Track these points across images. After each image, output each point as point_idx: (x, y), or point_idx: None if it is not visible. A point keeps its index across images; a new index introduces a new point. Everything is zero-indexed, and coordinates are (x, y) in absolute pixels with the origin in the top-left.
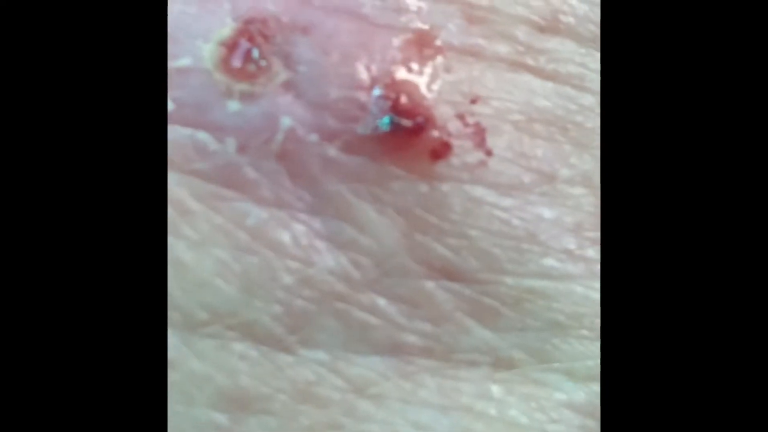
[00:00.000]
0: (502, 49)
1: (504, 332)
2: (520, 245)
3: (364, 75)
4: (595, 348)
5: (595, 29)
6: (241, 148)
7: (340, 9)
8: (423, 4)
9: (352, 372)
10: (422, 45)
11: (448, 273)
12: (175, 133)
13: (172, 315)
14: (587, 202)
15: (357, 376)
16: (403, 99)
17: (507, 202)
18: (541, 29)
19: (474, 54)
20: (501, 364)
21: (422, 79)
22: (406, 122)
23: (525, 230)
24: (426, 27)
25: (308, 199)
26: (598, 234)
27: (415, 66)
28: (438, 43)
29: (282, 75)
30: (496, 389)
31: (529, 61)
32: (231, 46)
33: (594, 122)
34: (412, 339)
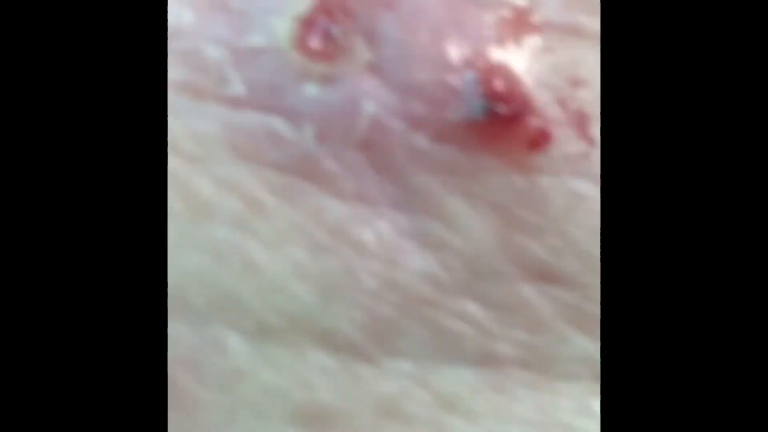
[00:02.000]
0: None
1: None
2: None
3: (455, 56)
4: None
5: None
6: (320, 137)
7: None
8: None
9: (440, 385)
10: (519, 22)
11: (546, 276)
12: (246, 118)
13: (244, 321)
14: None
15: (446, 389)
16: (499, 83)
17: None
18: None
19: (576, 32)
20: None
21: (519, 61)
22: (502, 108)
23: None
24: (523, 2)
25: (393, 193)
26: None
27: (511, 46)
28: (536, 20)
29: (365, 55)
30: (598, 405)
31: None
32: (308, 22)
33: None
34: (506, 349)
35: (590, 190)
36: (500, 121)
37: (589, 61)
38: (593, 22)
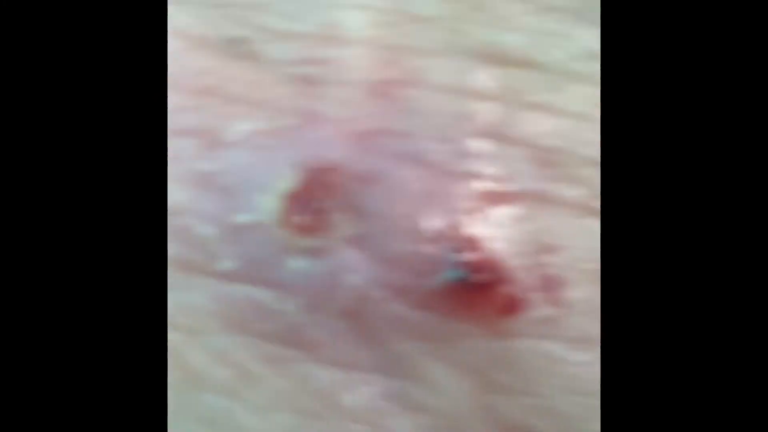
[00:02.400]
0: (574, 193)
1: None
2: (595, 403)
3: (433, 227)
4: None
5: None
6: (306, 307)
7: (406, 156)
8: (491, 148)
9: None
10: (492, 193)
11: None
12: (236, 291)
13: None
14: None
15: None
16: (474, 252)
17: (580, 356)
18: None
19: (546, 200)
20: None
21: (493, 230)
22: (477, 277)
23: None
24: (495, 173)
25: (376, 358)
26: None
27: (485, 216)
28: (508, 189)
29: (347, 229)
30: None
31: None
32: (293, 198)
33: None
34: None
35: (561, 352)
36: (476, 289)
37: (559, 227)
38: (563, 190)
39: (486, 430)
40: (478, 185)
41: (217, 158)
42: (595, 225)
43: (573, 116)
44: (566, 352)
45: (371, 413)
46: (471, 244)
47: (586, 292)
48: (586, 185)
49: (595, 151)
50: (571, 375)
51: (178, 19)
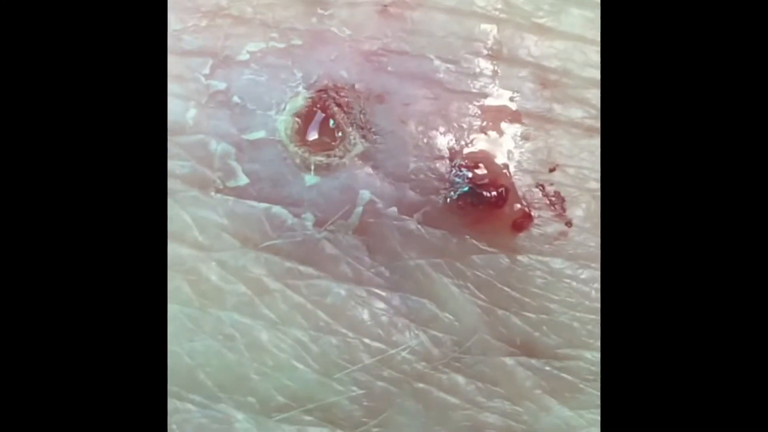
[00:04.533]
0: (576, 113)
1: (583, 410)
2: (599, 318)
3: (442, 144)
4: None
5: None
6: (319, 223)
7: (415, 75)
8: (497, 68)
9: None
10: (499, 111)
11: (527, 349)
12: (250, 208)
13: (248, 399)
14: None
15: None
16: (483, 169)
17: (586, 274)
18: None
19: (549, 120)
20: None
21: (501, 148)
22: (488, 193)
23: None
24: (500, 93)
25: (387, 274)
26: None
27: (493, 134)
28: (514, 108)
29: (359, 146)
30: None
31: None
32: (305, 116)
33: None
34: (491, 419)
35: (567, 268)
36: (486, 206)
37: (563, 145)
38: (565, 109)
39: (494, 344)
40: (484, 104)
41: (230, 77)
42: (596, 144)
43: (575, 38)
44: (570, 269)
45: (383, 328)
46: (479, 161)
47: (588, 210)
48: (588, 106)
49: (595, 72)
50: (575, 291)
51: None
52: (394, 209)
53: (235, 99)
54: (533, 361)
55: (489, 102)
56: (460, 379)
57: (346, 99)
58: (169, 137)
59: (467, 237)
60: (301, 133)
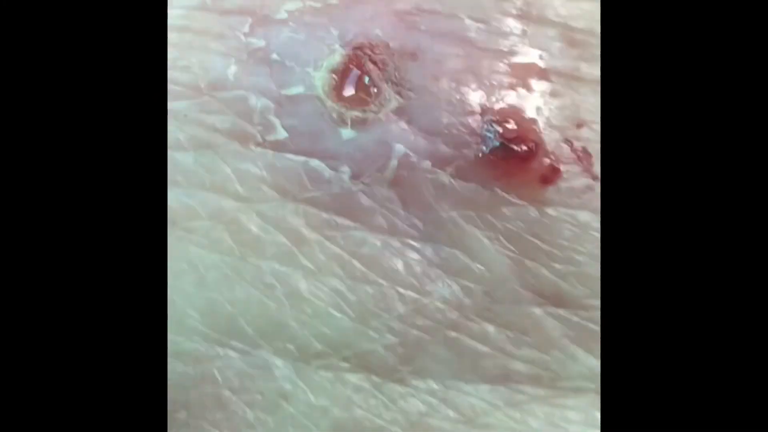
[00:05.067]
0: (599, 72)
1: None
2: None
3: (473, 100)
4: None
5: None
6: (355, 176)
7: (446, 33)
8: (526, 28)
9: (462, 402)
10: (528, 69)
11: (555, 299)
12: (289, 161)
13: (287, 346)
14: None
15: (467, 406)
16: (513, 124)
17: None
18: None
19: (577, 78)
20: None
21: (530, 104)
22: (517, 148)
23: None
24: (530, 50)
25: (421, 226)
26: None
27: (522, 91)
28: (542, 66)
29: (393, 102)
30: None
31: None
32: (342, 73)
33: None
34: (520, 367)
35: (593, 221)
36: (516, 160)
37: (589, 103)
38: (592, 68)
39: (523, 294)
40: (513, 62)
41: (269, 35)
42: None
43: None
44: (597, 221)
45: (417, 278)
46: (509, 116)
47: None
48: None
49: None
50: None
51: None
52: (428, 163)
53: (274, 56)
54: (561, 311)
55: (518, 60)
56: (491, 328)
57: (380, 56)
58: (211, 93)
59: (497, 190)
60: (337, 89)
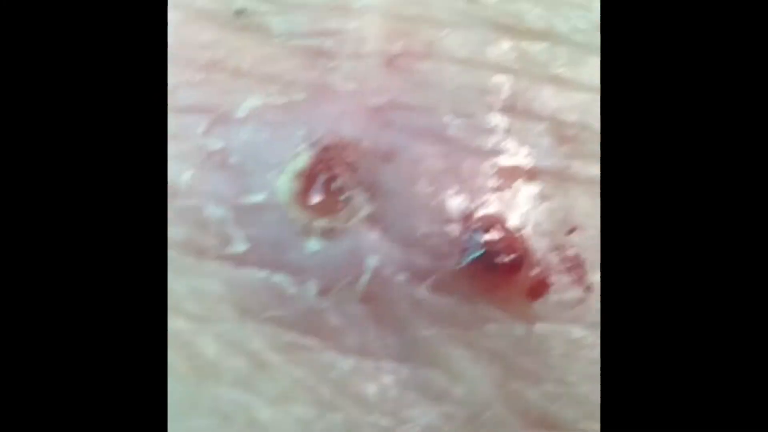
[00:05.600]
0: (595, 170)
1: None
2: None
3: (454, 206)
4: None
5: None
6: (323, 291)
7: (423, 131)
8: (512, 123)
9: None
10: (512, 170)
11: (546, 423)
12: (249, 276)
13: None
14: None
15: None
16: (498, 232)
17: None
18: None
19: (568, 178)
20: None
21: (516, 209)
22: (502, 258)
23: None
24: (515, 149)
25: (396, 345)
26: None
27: (508, 194)
28: (528, 166)
29: (365, 209)
30: None
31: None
32: (308, 177)
33: None
34: None
35: (587, 337)
36: (501, 271)
37: (581, 205)
38: (585, 166)
39: (510, 419)
40: (498, 162)
41: (226, 136)
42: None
43: (595, 90)
44: (590, 337)
45: (392, 403)
46: (493, 223)
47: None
48: None
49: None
50: (595, 361)
51: None
52: (403, 276)
53: (233, 159)
54: None
55: (503, 160)
56: None
57: (351, 158)
58: None
59: (480, 305)
60: (303, 195)
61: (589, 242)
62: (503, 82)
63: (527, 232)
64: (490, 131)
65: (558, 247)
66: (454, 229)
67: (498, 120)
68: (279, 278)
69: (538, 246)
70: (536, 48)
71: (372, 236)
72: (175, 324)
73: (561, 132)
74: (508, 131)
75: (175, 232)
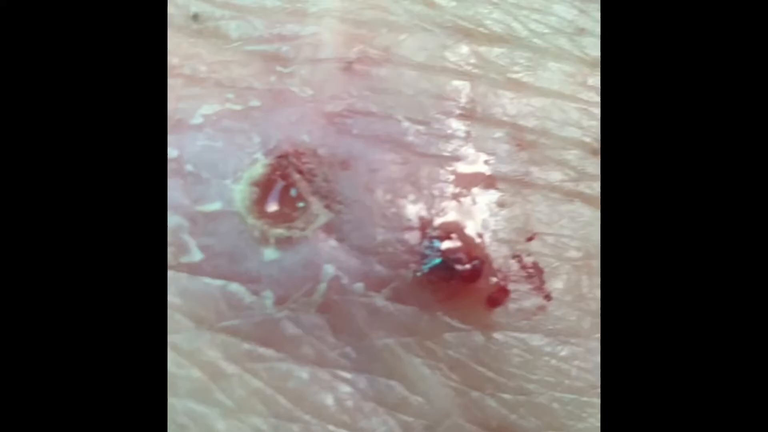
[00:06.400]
0: (555, 176)
1: None
2: (581, 398)
3: (412, 214)
4: None
5: None
6: (280, 301)
7: (381, 138)
8: (471, 129)
9: None
10: (471, 177)
11: None
12: (205, 285)
13: None
14: None
15: None
16: (456, 240)
17: (566, 350)
18: (594, 152)
19: (526, 184)
20: None
21: (475, 216)
22: (461, 267)
23: (585, 381)
24: (474, 155)
25: (353, 355)
26: None
27: (467, 201)
28: (487, 173)
29: (322, 217)
30: None
31: (584, 189)
32: (264, 185)
33: None
34: None
35: (547, 345)
36: (459, 280)
37: (541, 212)
38: (543, 172)
39: (468, 428)
40: (456, 168)
41: (182, 143)
42: (577, 210)
43: (554, 95)
44: (550, 345)
45: (350, 413)
46: (451, 231)
47: (569, 282)
48: (568, 168)
49: (576, 132)
50: (555, 369)
51: None
52: (361, 285)
53: (188, 167)
54: None
55: (462, 166)
56: None
57: (308, 165)
58: None
59: (439, 314)
60: (259, 203)
61: (548, 250)
62: (462, 87)
63: (486, 239)
64: (449, 137)
65: (516, 255)
66: (413, 237)
67: (457, 126)
68: (235, 287)
69: (497, 254)
70: (495, 52)
71: (329, 245)
72: None
73: (520, 137)
74: (466, 137)
75: None
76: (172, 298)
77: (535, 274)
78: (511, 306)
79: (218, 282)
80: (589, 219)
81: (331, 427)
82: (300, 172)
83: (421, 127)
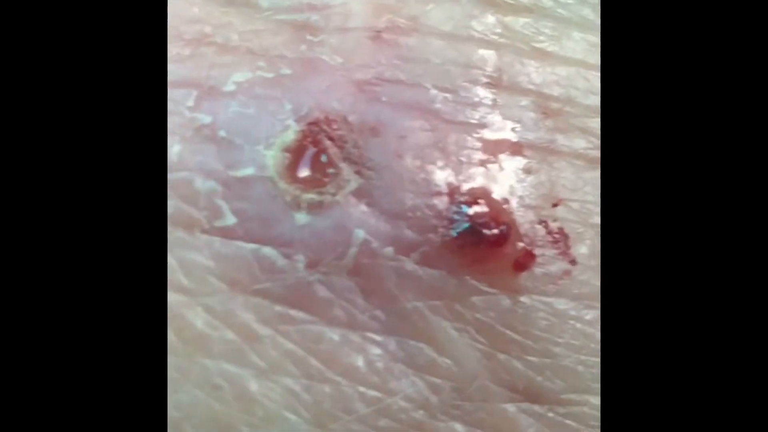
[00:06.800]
0: (579, 144)
1: None
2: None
3: (440, 179)
4: None
5: None
6: (311, 265)
7: (410, 105)
8: (497, 97)
9: None
10: (499, 143)
11: (530, 395)
12: (238, 249)
13: None
14: None
15: None
16: (484, 205)
17: (591, 314)
18: None
19: (553, 151)
20: None
21: (502, 182)
22: (489, 231)
23: None
24: (500, 123)
25: (383, 318)
26: None
27: (494, 167)
28: (514, 139)
29: (353, 182)
30: None
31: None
32: (296, 151)
33: None
34: None
35: (572, 309)
36: (487, 244)
37: (566, 178)
38: (569, 140)
39: (495, 390)
40: (483, 135)
41: (215, 110)
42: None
43: (577, 64)
44: (575, 309)
45: (379, 375)
46: (479, 196)
47: (594, 247)
48: (592, 135)
49: (599, 100)
50: (580, 333)
51: None
52: (390, 249)
53: (222, 133)
54: (536, 408)
55: (489, 133)
56: (460, 428)
57: (338, 132)
58: None
59: (467, 277)
60: (291, 169)
61: (573, 216)
62: (488, 56)
63: (513, 205)
64: (476, 105)
65: (543, 220)
66: (441, 202)
67: (483, 94)
68: (267, 251)
69: (524, 219)
70: (520, 22)
71: (359, 210)
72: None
73: (546, 106)
74: (493, 105)
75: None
76: (206, 262)
77: (561, 240)
78: (537, 270)
79: (251, 246)
80: None
81: (361, 388)
82: (331, 138)
83: (448, 95)
